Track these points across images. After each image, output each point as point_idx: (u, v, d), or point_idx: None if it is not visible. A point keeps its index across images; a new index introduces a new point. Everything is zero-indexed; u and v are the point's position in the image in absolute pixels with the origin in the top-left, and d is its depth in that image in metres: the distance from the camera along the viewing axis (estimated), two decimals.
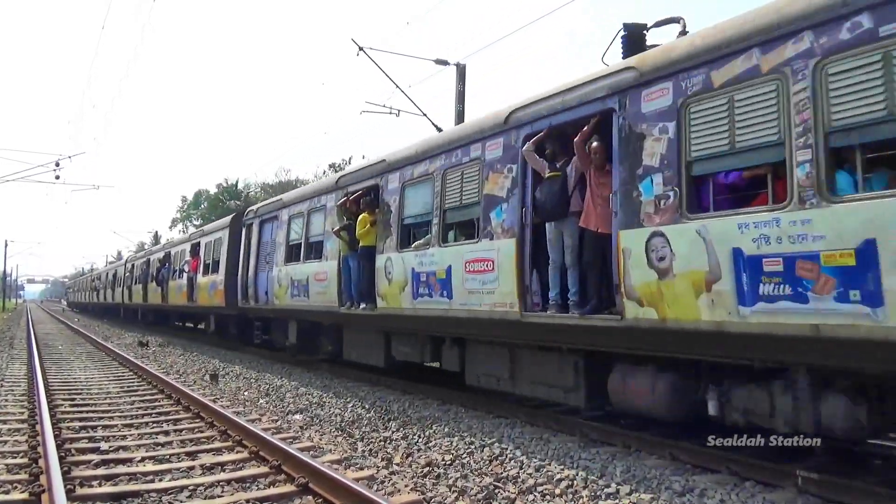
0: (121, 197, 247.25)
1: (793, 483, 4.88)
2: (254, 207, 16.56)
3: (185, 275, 21.02)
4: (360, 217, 10.03)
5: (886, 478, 4.74)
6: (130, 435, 7.17)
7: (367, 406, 8.95)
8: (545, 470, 5.67)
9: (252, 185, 54.78)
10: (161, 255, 25.78)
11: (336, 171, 34.98)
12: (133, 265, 32.03)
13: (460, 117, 16.19)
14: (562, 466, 5.76)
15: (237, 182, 56.77)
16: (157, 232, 66.07)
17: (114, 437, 7.06)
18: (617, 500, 4.91)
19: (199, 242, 20.49)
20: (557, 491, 5.14)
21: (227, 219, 18.62)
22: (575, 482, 5.31)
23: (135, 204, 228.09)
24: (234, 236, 16.91)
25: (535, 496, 5.04)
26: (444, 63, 16.85)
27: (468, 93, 17.19)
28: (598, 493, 5.05)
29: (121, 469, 5.68)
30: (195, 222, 56.44)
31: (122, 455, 6.17)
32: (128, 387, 10.94)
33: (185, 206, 64.06)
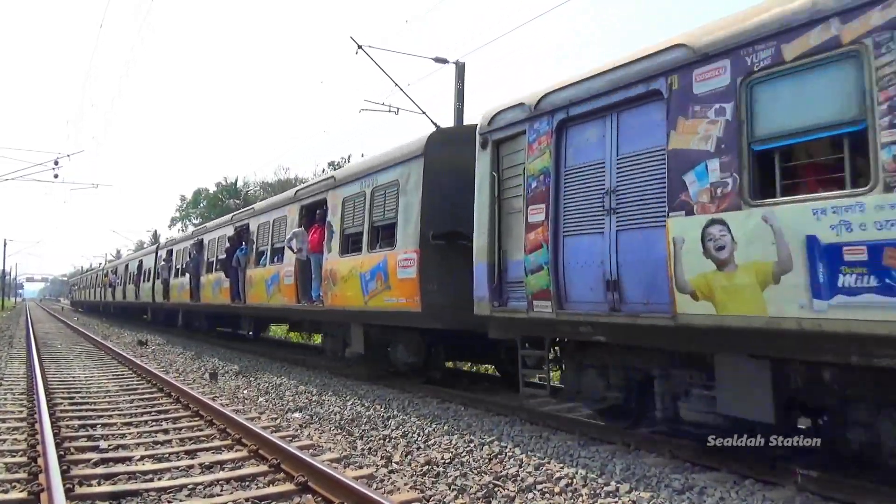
0: (120, 196, 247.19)
1: (792, 481, 4.88)
2: (534, 99, 7.03)
3: (284, 258, 13.33)
4: None
5: (886, 476, 4.74)
6: (130, 433, 7.17)
7: (366, 404, 8.95)
8: (545, 468, 5.67)
9: (251, 183, 54.81)
10: (230, 231, 17.52)
11: (336, 169, 28.85)
12: (171, 251, 24.27)
13: (459, 115, 16.20)
14: (561, 465, 5.76)
15: (236, 181, 56.86)
16: (156, 231, 66.15)
17: (113, 435, 7.06)
18: (616, 499, 4.91)
19: (324, 200, 12.04)
20: (557, 489, 5.14)
21: (416, 141, 9.52)
22: (574, 480, 5.31)
23: (134, 203, 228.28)
24: (436, 174, 9.02)
25: (534, 494, 5.04)
26: (444, 61, 16.85)
27: (467, 90, 17.21)
28: (597, 491, 5.05)
29: (120, 468, 5.67)
30: (194, 221, 56.40)
31: (122, 454, 6.17)
32: (127, 385, 10.94)
33: (184, 206, 64.13)
